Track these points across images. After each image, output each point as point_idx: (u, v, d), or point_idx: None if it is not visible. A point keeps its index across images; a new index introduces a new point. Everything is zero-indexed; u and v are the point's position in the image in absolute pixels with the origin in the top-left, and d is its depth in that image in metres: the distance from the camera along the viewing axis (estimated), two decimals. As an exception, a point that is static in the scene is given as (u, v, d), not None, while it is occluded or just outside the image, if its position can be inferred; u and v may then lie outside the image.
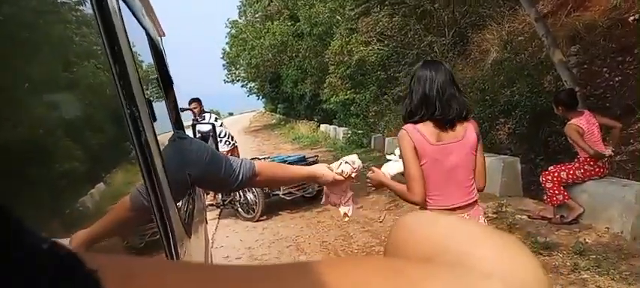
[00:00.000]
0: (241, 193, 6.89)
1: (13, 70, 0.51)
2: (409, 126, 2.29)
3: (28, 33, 0.57)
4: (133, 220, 0.92)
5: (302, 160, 7.46)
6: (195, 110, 7.19)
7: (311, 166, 1.95)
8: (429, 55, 13.38)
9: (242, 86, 36.37)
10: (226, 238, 6.41)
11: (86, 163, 0.70)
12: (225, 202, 7.29)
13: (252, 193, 6.80)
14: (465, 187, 2.31)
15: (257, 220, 6.80)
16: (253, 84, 35.98)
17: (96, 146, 0.79)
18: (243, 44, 28.34)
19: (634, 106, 6.68)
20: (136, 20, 1.44)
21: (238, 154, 7.58)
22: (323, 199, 1.99)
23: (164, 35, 2.92)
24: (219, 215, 7.54)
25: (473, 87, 10.10)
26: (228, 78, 35.16)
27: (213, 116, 7.51)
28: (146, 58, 1.70)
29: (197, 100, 7.35)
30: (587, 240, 4.21)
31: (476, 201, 2.37)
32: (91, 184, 0.69)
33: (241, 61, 29.84)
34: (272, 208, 7.21)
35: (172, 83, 2.57)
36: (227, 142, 7.51)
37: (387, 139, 11.98)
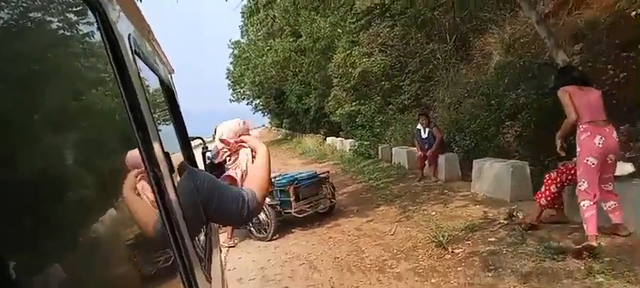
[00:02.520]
0: None
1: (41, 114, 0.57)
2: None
3: (58, 82, 0.65)
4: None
5: (314, 177, 7.50)
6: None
7: (254, 145, 1.97)
8: (431, 63, 13.38)
9: (247, 104, 36.71)
10: (238, 260, 6.37)
11: (108, 205, 0.75)
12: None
13: (265, 212, 6.77)
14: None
15: (270, 240, 6.77)
16: (258, 101, 36.27)
17: (115, 191, 0.83)
18: (247, 63, 28.59)
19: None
20: (147, 67, 1.47)
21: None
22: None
23: (173, 72, 2.96)
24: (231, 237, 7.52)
25: (477, 92, 10.05)
26: (233, 97, 35.50)
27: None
28: (159, 98, 1.75)
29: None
30: (601, 243, 4.13)
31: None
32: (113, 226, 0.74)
33: (245, 80, 30.07)
34: (284, 225, 7.18)
35: (182, 117, 2.59)
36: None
37: (394, 148, 11.93)
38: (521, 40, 10.51)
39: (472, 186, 7.24)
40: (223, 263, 3.68)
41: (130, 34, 1.14)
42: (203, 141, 4.07)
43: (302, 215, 7.09)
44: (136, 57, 1.16)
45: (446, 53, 13.18)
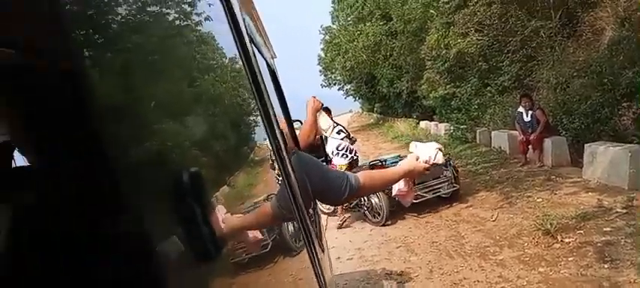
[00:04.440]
0: (366, 198, 6.86)
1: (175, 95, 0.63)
2: None
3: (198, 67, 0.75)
4: (274, 223, 1.05)
5: None
6: None
7: (402, 163, 2.04)
8: (534, 41, 12.58)
9: (339, 89, 37.10)
10: (335, 240, 6.58)
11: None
12: (352, 206, 7.26)
13: (377, 197, 6.71)
14: None
15: (383, 225, 6.71)
16: (349, 86, 36.50)
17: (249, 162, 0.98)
18: (338, 49, 28.85)
19: None
20: (258, 51, 1.61)
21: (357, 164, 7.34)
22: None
23: (276, 57, 3.14)
24: (327, 219, 7.76)
25: (588, 71, 9.30)
26: (325, 83, 36.07)
27: (338, 129, 7.18)
28: (268, 80, 1.89)
29: (326, 110, 7.31)
30: None
31: None
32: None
33: (336, 65, 30.35)
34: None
35: (286, 101, 2.77)
36: (344, 155, 7.09)
37: (493, 132, 11.47)
38: (639, 14, 9.52)
39: (583, 172, 6.77)
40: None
41: (245, 19, 1.22)
42: (301, 123, 4.27)
43: (418, 200, 6.69)
44: (251, 41, 1.24)
45: (550, 30, 12.29)
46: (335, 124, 7.15)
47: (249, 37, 1.24)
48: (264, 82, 1.26)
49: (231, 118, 0.95)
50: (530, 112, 8.60)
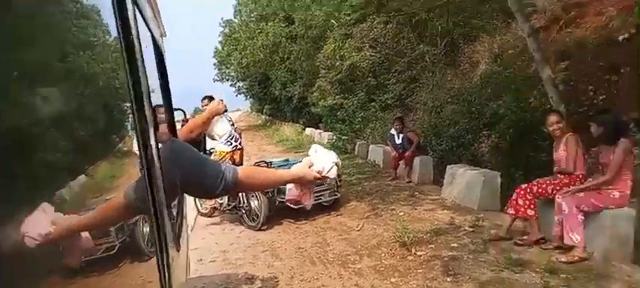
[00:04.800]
0: (245, 199, 6.59)
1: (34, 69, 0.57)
2: None
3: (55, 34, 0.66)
4: (126, 216, 0.92)
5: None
6: (206, 107, 6.83)
7: (293, 168, 1.95)
8: (419, 64, 13.36)
9: (231, 85, 36.40)
10: (201, 241, 6.26)
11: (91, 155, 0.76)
12: (229, 207, 6.93)
13: (257, 200, 6.43)
14: None
15: (259, 229, 6.41)
16: (242, 83, 36.00)
17: (102, 142, 0.85)
18: (236, 44, 28.20)
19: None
20: (145, 24, 1.44)
21: (242, 156, 7.08)
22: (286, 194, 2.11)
23: (166, 36, 2.85)
24: (196, 218, 7.38)
25: (460, 98, 10.05)
26: (218, 77, 35.15)
27: (228, 116, 6.90)
28: (151, 59, 1.71)
29: (209, 98, 6.85)
30: (560, 259, 4.14)
31: None
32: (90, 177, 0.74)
33: (232, 61, 29.66)
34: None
35: (168, 83, 2.50)
36: (229, 143, 6.83)
37: (371, 146, 11.90)
38: (510, 52, 10.53)
39: (443, 191, 7.23)
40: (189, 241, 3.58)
41: None
42: (184, 113, 3.96)
43: (298, 206, 6.51)
44: (136, 9, 1.14)
45: (434, 56, 13.19)
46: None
47: (137, 11, 1.16)
48: (144, 63, 1.13)
49: (103, 99, 0.87)
50: (401, 135, 8.95)
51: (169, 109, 2.43)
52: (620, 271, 3.88)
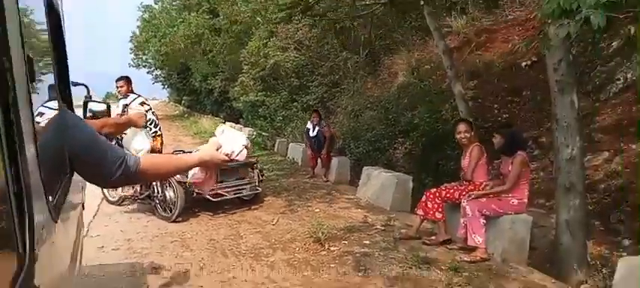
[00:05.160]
0: (160, 189, 6.20)
1: None
2: None
3: None
4: None
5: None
6: (122, 89, 6.29)
7: (199, 152, 1.83)
8: (341, 70, 13.68)
9: (148, 72, 34.71)
10: (104, 227, 5.87)
11: None
12: (142, 197, 6.49)
13: (173, 190, 6.07)
14: None
15: (173, 221, 6.07)
16: (160, 72, 34.46)
17: None
18: (155, 30, 26.97)
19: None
20: None
21: (162, 144, 6.56)
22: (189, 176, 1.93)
23: None
24: (100, 204, 6.92)
25: (379, 105, 10.45)
26: (134, 62, 33.35)
27: (140, 100, 6.27)
28: (37, 15, 1.42)
29: (125, 79, 6.39)
30: (463, 258, 4.43)
31: None
32: None
33: (150, 48, 28.29)
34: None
35: (65, 50, 2.25)
36: (148, 129, 6.27)
37: (290, 144, 11.97)
38: (426, 66, 11.13)
39: (358, 191, 7.45)
40: (82, 224, 3.32)
41: None
42: (88, 90, 3.65)
43: (217, 199, 6.37)
44: None
45: (356, 64, 13.57)
46: (137, 95, 6.31)
47: None
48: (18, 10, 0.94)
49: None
50: (317, 128, 8.79)
51: (65, 80, 2.19)
52: (517, 272, 4.21)
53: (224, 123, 20.14)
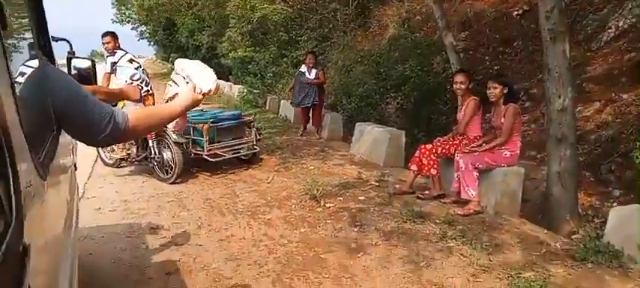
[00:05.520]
0: (157, 150, 6.12)
1: None
2: None
3: None
4: None
5: (236, 119, 6.85)
6: (109, 45, 6.11)
7: (181, 99, 1.79)
8: (331, 23, 13.44)
9: (132, 29, 33.86)
10: (99, 189, 5.87)
11: None
12: (139, 158, 6.40)
13: (170, 151, 6.01)
14: None
15: (173, 182, 6.03)
16: (145, 28, 33.61)
17: None
18: (137, -17, 26.12)
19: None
20: None
21: (154, 103, 6.32)
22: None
23: None
24: (94, 165, 6.89)
25: (370, 59, 10.35)
26: (116, 18, 32.44)
27: (128, 57, 6.10)
28: None
29: (111, 35, 6.20)
30: (457, 212, 4.52)
31: None
32: None
33: (133, 1, 27.46)
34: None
35: (42, 2, 2.14)
36: (139, 87, 6.08)
37: (282, 101, 11.88)
38: (417, 18, 10.99)
39: (351, 147, 7.49)
40: (77, 186, 3.31)
41: None
42: (70, 45, 3.52)
43: (215, 160, 6.38)
44: None
45: (346, 16, 13.34)
46: (124, 52, 6.16)
47: None
48: None
49: None
50: (313, 71, 8.34)
51: (44, 35, 2.10)
52: (510, 223, 4.31)
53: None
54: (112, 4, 32.08)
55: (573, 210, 4.41)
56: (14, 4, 1.44)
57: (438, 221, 4.32)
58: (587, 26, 7.53)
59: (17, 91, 0.99)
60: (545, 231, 4.18)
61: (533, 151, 6.42)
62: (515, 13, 8.93)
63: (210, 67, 1.98)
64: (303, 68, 8.53)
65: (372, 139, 6.87)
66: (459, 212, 4.49)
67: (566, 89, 4.35)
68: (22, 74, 1.24)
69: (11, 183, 0.83)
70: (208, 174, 6.49)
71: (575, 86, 4.90)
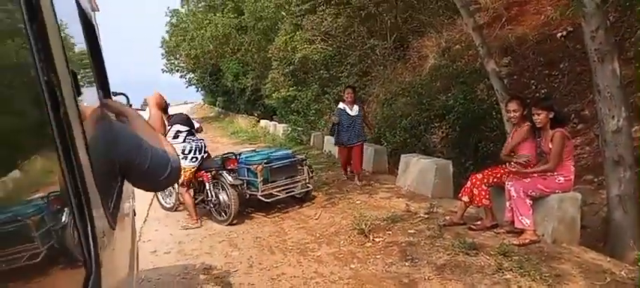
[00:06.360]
0: (213, 193, 6.23)
1: None
2: None
3: None
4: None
5: (289, 158, 6.79)
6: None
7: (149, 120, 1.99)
8: (370, 58, 13.58)
9: (181, 77, 35.45)
10: (155, 232, 6.10)
11: None
12: (197, 202, 6.46)
13: (226, 194, 6.10)
14: None
15: (229, 224, 6.11)
16: (193, 75, 35.13)
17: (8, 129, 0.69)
18: (184, 34, 27.48)
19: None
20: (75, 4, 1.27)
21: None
22: None
23: (98, 10, 2.67)
24: (148, 209, 7.17)
25: (411, 91, 10.33)
26: (166, 67, 34.13)
27: (175, 130, 6.13)
28: (74, 32, 1.49)
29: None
30: (512, 242, 4.36)
31: None
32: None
33: (181, 51, 28.88)
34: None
35: (103, 61, 2.34)
36: (194, 158, 6.17)
37: (325, 137, 12.00)
38: (456, 47, 10.92)
39: (397, 179, 7.42)
40: (135, 230, 3.46)
41: None
42: (127, 98, 3.77)
43: (270, 200, 6.33)
44: None
45: (385, 50, 13.43)
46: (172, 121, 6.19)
47: None
48: (59, 28, 0.98)
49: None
50: (355, 107, 7.71)
51: (106, 91, 2.27)
52: (570, 252, 4.12)
53: (258, 121, 20.42)
54: (162, 55, 33.84)
55: (637, 235, 4.17)
56: (80, 65, 1.58)
57: (492, 253, 4.18)
58: (637, 43, 7.24)
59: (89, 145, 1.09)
60: (609, 259, 3.96)
61: (590, 174, 6.14)
62: (559, 34, 8.72)
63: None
64: (342, 105, 7.79)
65: (419, 170, 6.79)
66: (515, 242, 4.33)
67: (619, 109, 4.20)
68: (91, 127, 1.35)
69: (90, 234, 0.91)
70: (263, 214, 6.52)
71: (629, 105, 4.71)
